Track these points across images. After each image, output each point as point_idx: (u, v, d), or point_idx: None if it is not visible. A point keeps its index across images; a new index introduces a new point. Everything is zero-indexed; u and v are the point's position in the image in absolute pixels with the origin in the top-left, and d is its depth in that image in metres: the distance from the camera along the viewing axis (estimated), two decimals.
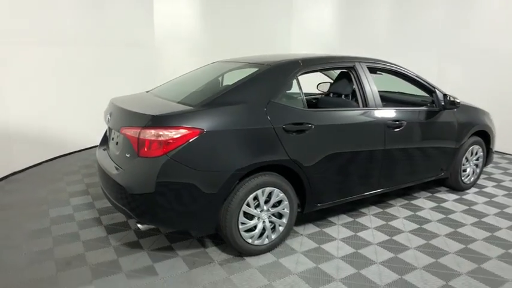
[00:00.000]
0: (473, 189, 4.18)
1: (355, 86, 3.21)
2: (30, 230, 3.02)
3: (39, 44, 4.48)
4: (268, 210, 2.69)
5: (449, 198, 3.92)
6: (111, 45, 5.47)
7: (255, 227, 2.66)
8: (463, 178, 4.04)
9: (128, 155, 2.53)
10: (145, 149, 2.36)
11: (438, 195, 4.00)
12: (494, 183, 4.41)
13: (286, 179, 2.74)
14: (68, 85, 4.95)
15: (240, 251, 2.66)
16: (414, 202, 3.78)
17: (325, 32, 7.76)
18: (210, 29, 6.85)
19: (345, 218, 3.36)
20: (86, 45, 5.10)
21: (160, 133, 2.33)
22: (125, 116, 2.62)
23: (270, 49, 6.82)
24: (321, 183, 2.91)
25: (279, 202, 2.74)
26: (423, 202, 3.78)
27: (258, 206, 2.64)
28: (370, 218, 3.38)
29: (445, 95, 3.61)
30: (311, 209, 2.97)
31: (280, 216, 2.79)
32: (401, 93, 4.19)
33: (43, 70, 4.59)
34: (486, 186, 4.30)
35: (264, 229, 2.70)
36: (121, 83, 5.48)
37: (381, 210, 3.56)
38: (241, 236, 2.59)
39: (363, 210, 3.54)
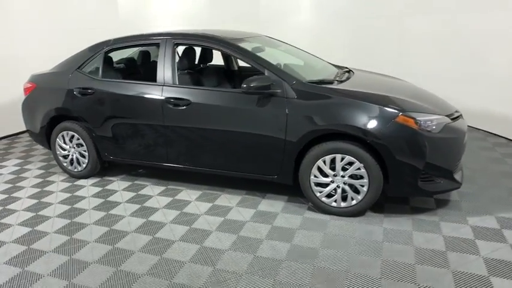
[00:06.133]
0: (339, 221, 2.84)
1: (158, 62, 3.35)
2: None
3: None
4: (74, 148, 3.78)
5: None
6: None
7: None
8: (318, 195, 2.89)
9: None
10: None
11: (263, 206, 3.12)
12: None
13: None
14: None
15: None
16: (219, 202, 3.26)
17: None
18: None
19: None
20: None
21: (26, 84, 4.01)
22: None
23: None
24: (105, 139, 3.58)
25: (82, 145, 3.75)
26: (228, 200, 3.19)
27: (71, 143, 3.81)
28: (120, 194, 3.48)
29: (248, 79, 2.88)
30: (107, 159, 3.70)
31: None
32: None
33: None
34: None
35: (74, 162, 3.84)
36: None
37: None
38: (60, 163, 3.91)
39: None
